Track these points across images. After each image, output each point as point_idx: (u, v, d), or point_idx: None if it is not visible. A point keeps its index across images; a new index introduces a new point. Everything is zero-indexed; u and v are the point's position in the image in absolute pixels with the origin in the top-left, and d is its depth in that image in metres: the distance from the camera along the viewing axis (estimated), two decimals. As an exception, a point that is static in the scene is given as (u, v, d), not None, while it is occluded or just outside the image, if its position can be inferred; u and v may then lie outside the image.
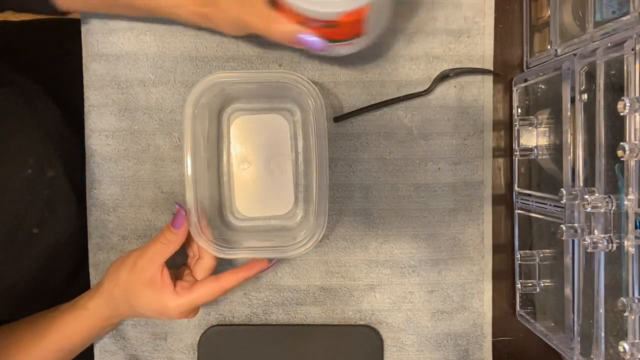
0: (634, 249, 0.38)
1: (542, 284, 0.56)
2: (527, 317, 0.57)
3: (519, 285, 0.57)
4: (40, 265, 0.55)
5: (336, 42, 0.49)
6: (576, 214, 0.45)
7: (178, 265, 0.55)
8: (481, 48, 0.58)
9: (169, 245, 0.50)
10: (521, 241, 0.58)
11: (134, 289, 0.49)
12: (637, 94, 0.37)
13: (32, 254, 0.54)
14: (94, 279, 0.58)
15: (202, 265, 0.52)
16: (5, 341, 0.50)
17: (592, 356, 0.44)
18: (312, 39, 0.46)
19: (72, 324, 0.50)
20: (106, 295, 0.50)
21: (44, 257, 0.55)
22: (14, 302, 0.53)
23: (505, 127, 0.59)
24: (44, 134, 0.55)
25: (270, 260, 0.53)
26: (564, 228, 0.44)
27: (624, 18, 0.41)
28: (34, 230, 0.53)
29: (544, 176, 0.54)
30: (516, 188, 0.58)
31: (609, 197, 0.41)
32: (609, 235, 0.41)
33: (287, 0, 0.43)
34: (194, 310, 0.52)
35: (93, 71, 0.57)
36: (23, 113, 0.54)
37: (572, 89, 0.45)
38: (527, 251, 0.56)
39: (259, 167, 0.58)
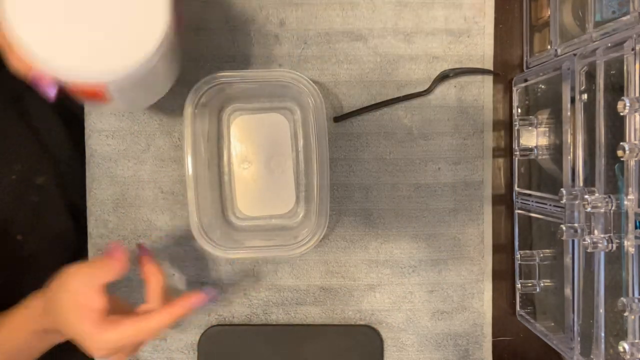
0: (634, 249, 0.38)
1: (542, 284, 0.56)
2: (527, 317, 0.57)
3: (519, 285, 0.57)
4: (23, 271, 0.54)
5: (81, 98, 0.43)
6: (576, 214, 0.45)
7: None
8: (481, 48, 0.58)
9: (113, 273, 0.46)
10: (521, 241, 0.58)
11: (64, 306, 0.44)
12: (637, 94, 0.37)
13: (15, 260, 0.53)
14: (94, 278, 0.58)
15: (149, 289, 0.48)
16: None
17: (592, 356, 0.44)
18: (48, 85, 0.39)
19: (14, 322, 0.46)
20: (45, 302, 0.46)
21: (28, 263, 0.54)
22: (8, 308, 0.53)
23: (505, 127, 0.59)
24: (35, 139, 0.54)
25: (207, 293, 0.49)
26: (564, 228, 0.44)
27: (624, 18, 0.41)
28: (18, 237, 0.53)
29: (544, 176, 0.54)
30: (516, 188, 0.58)
31: (609, 197, 0.41)
32: (609, 235, 0.41)
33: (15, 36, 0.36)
34: (120, 353, 0.46)
35: (93, 71, 0.57)
36: (12, 119, 0.53)
37: (572, 89, 0.45)
38: (527, 251, 0.56)
39: (260, 166, 0.58)
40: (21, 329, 0.47)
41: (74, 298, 0.44)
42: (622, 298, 0.38)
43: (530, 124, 0.55)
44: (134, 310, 0.48)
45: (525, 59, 0.58)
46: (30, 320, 0.47)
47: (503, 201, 0.60)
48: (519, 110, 0.58)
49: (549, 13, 0.52)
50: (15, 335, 0.46)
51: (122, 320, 0.44)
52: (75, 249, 0.58)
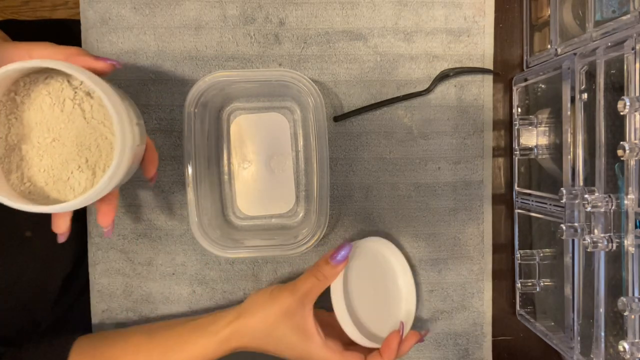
0: (634, 249, 0.38)
1: (542, 284, 0.56)
2: (527, 316, 0.57)
3: (518, 285, 0.57)
4: (36, 268, 0.54)
5: None
6: (576, 213, 0.45)
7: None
8: (481, 47, 0.58)
9: (325, 281, 0.49)
10: (521, 241, 0.58)
11: (279, 329, 0.48)
12: (637, 94, 0.37)
13: (27, 257, 0.53)
14: (93, 278, 0.58)
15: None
16: (124, 346, 0.49)
17: (592, 356, 0.44)
18: None
19: (199, 348, 0.48)
20: (243, 327, 0.49)
21: (39, 260, 0.55)
22: (12, 306, 0.53)
23: (505, 126, 0.59)
24: None
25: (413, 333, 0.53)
26: (564, 227, 0.44)
27: (624, 17, 0.41)
28: (27, 234, 0.53)
29: (544, 176, 0.54)
30: (516, 187, 0.58)
31: (609, 196, 0.41)
32: (609, 234, 0.41)
33: None
34: None
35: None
36: None
37: (572, 88, 0.45)
38: (527, 251, 0.56)
39: (260, 165, 0.58)
40: (207, 355, 0.48)
41: (295, 322, 0.48)
42: (622, 298, 0.38)
43: (530, 124, 0.55)
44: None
45: (525, 58, 0.58)
46: (222, 347, 0.49)
47: (503, 201, 0.60)
48: (519, 110, 0.58)
49: (549, 12, 0.52)
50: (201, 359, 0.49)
51: (344, 352, 0.49)
52: (78, 248, 0.58)
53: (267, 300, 0.49)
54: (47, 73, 0.40)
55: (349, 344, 0.51)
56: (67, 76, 0.40)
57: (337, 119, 0.58)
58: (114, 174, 0.38)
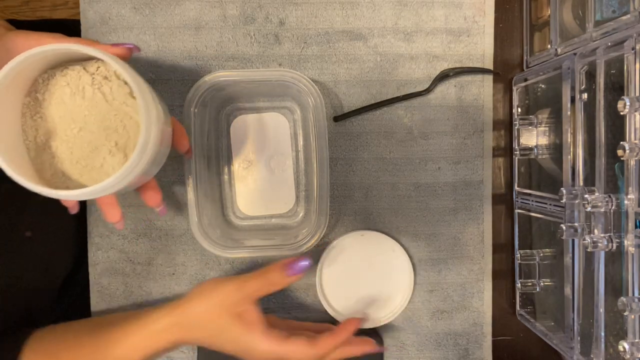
0: (634, 249, 0.38)
1: (542, 284, 0.56)
2: (527, 316, 0.57)
3: (518, 285, 0.57)
4: (36, 268, 0.54)
5: None
6: (576, 213, 0.45)
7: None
8: (481, 47, 0.58)
9: (273, 287, 0.47)
10: (521, 241, 0.58)
11: (220, 319, 0.46)
12: (637, 94, 0.37)
13: (27, 257, 0.53)
14: (93, 278, 0.58)
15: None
16: (71, 342, 0.47)
17: (592, 355, 0.44)
18: None
19: (138, 339, 0.46)
20: (184, 318, 0.46)
21: (39, 260, 0.55)
22: (12, 305, 0.53)
23: (505, 126, 0.59)
24: None
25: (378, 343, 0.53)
26: (564, 227, 0.44)
27: (624, 17, 0.41)
28: (27, 234, 0.53)
29: (544, 176, 0.54)
30: (516, 187, 0.58)
31: (609, 196, 0.41)
32: (609, 234, 0.41)
33: None
34: None
35: (93, 70, 0.57)
36: None
37: (572, 88, 0.45)
38: (527, 251, 0.56)
39: (260, 165, 0.58)
40: (147, 347, 0.46)
41: (236, 312, 0.46)
42: (622, 297, 0.38)
43: (530, 124, 0.55)
44: (292, 327, 0.51)
45: (525, 58, 0.58)
46: (160, 338, 0.46)
47: (503, 201, 0.60)
48: (519, 110, 0.58)
49: (549, 12, 0.52)
50: (140, 352, 0.46)
51: (289, 337, 0.46)
52: (78, 248, 0.58)
53: (212, 291, 0.47)
54: (63, 65, 0.40)
55: (299, 329, 0.51)
56: (82, 64, 0.40)
57: (337, 119, 0.58)
58: (144, 145, 0.37)
